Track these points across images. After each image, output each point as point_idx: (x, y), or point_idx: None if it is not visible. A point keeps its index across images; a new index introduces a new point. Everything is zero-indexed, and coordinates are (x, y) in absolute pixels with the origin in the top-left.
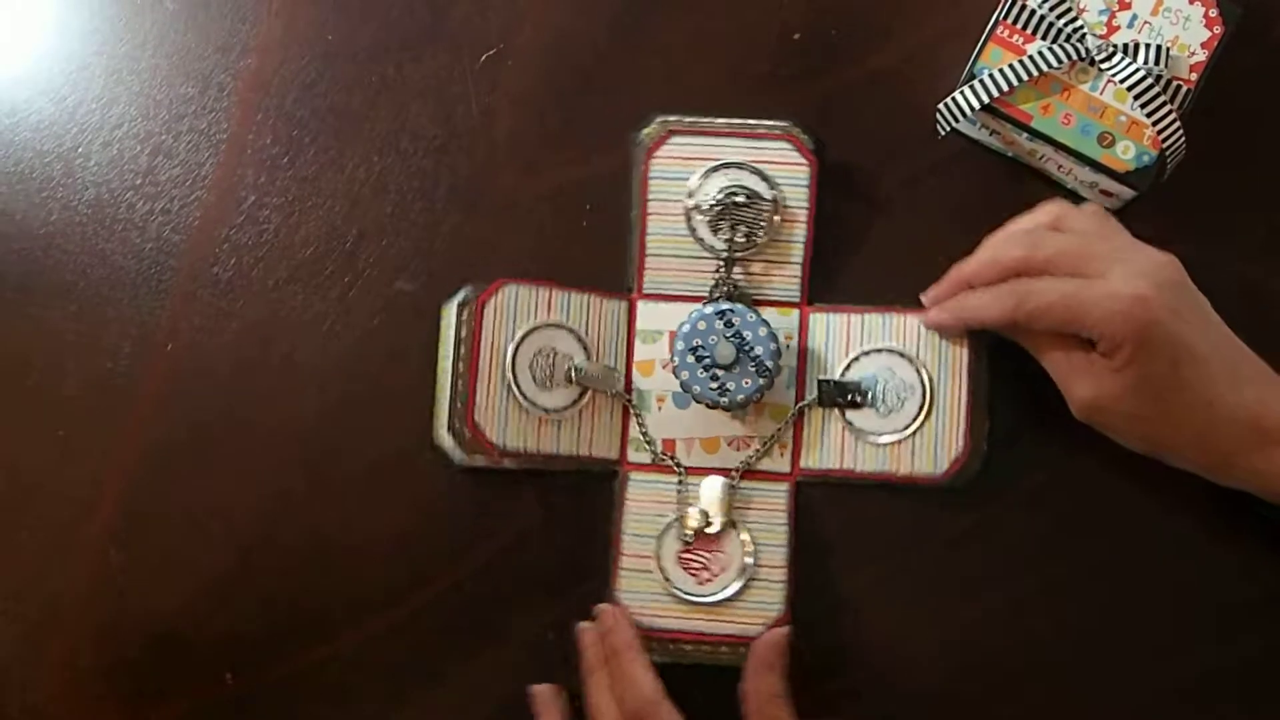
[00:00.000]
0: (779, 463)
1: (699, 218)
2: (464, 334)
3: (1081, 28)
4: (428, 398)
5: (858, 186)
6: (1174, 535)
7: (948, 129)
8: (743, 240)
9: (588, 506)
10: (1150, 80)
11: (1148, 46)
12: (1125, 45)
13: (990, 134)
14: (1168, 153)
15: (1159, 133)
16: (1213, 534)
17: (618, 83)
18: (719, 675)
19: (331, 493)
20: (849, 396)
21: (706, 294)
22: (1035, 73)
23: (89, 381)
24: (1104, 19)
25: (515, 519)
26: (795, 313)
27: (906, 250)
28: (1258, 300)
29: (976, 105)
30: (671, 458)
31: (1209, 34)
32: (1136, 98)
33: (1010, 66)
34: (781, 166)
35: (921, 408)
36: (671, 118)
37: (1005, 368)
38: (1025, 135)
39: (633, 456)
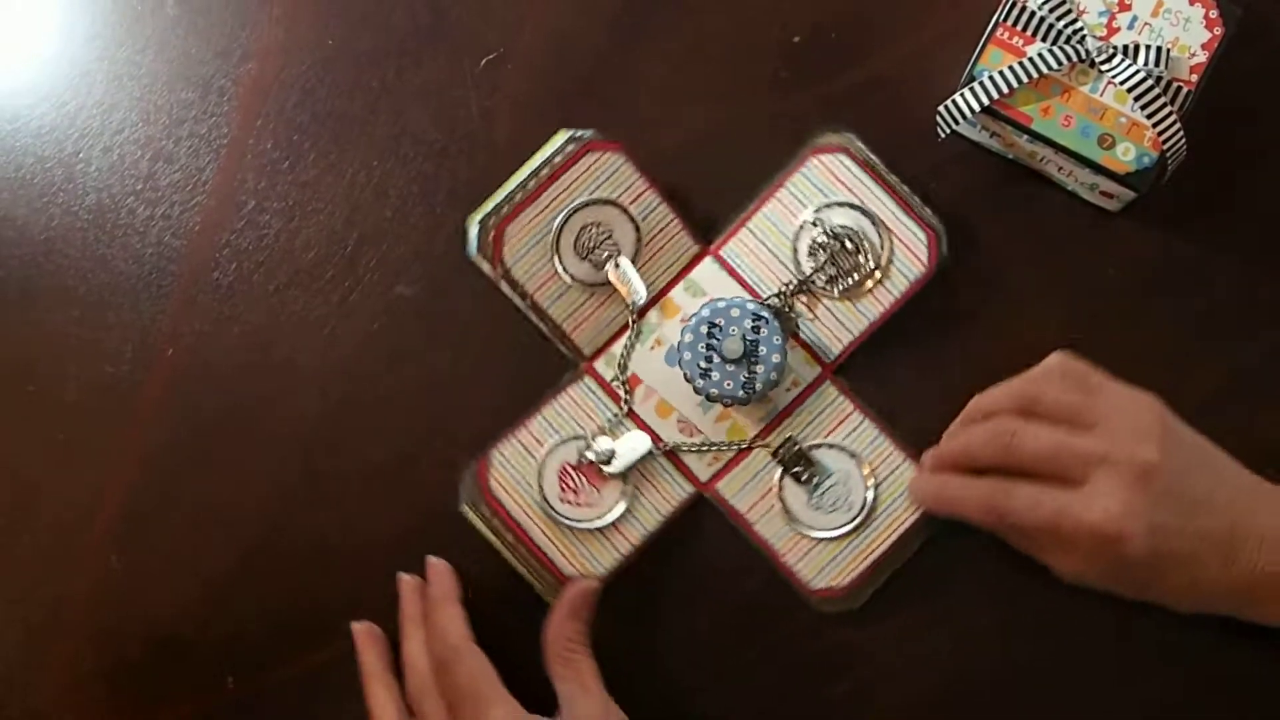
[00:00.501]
0: (702, 468)
1: (806, 235)
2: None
3: (1081, 29)
4: (428, 401)
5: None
6: None
7: (948, 131)
8: (824, 282)
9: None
10: (1150, 82)
11: (1148, 48)
12: (1125, 47)
13: (990, 136)
14: (1168, 154)
15: (1159, 134)
16: None
17: (618, 86)
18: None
19: (332, 496)
20: (802, 470)
21: (761, 293)
22: (1035, 75)
23: (90, 386)
24: (1104, 20)
25: None
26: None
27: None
28: (1257, 303)
29: (976, 107)
30: (628, 391)
31: (1209, 35)
32: (1137, 99)
33: (1010, 68)
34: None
35: (850, 523)
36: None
37: None
38: (1025, 137)
39: (598, 366)
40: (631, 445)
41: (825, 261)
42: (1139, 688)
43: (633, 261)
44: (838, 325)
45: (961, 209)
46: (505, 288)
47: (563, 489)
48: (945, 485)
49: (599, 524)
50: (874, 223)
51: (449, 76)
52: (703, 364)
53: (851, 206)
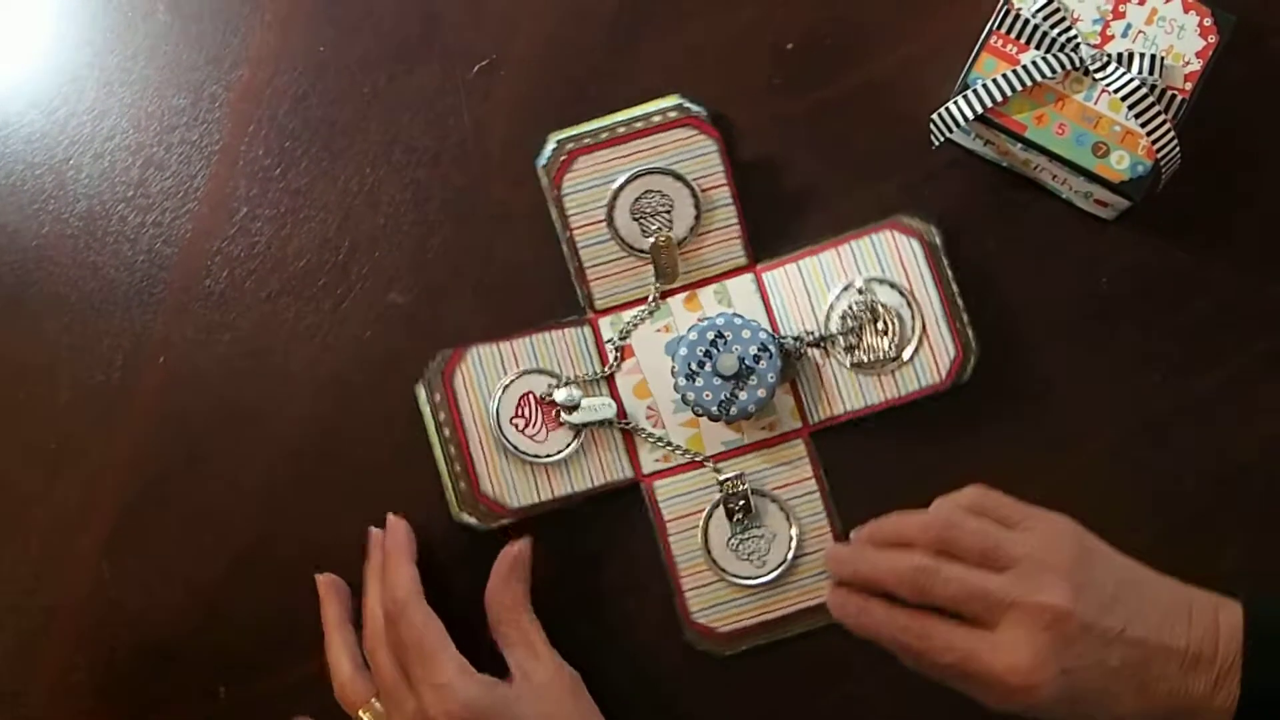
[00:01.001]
0: (649, 460)
1: (847, 297)
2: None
3: (1075, 37)
4: (417, 410)
5: (854, 191)
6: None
7: (941, 139)
8: (842, 347)
9: (591, 514)
10: (1145, 90)
11: (1142, 56)
12: (1120, 54)
13: (984, 144)
14: (1162, 162)
15: (1154, 142)
16: None
17: (611, 94)
18: None
19: (325, 505)
20: (738, 510)
21: (782, 329)
22: (1029, 82)
23: (81, 394)
24: (1098, 28)
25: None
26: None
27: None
28: (1253, 311)
29: (970, 115)
30: (619, 358)
31: (1204, 43)
32: (1131, 107)
33: (1004, 76)
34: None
35: (755, 579)
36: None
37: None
38: (1019, 145)
39: (602, 323)
40: (597, 406)
41: (852, 330)
42: None
43: (679, 245)
44: (835, 392)
45: (956, 217)
46: (553, 210)
47: (517, 413)
48: (866, 611)
49: (533, 459)
50: (914, 315)
51: (441, 83)
52: (694, 366)
53: (900, 292)
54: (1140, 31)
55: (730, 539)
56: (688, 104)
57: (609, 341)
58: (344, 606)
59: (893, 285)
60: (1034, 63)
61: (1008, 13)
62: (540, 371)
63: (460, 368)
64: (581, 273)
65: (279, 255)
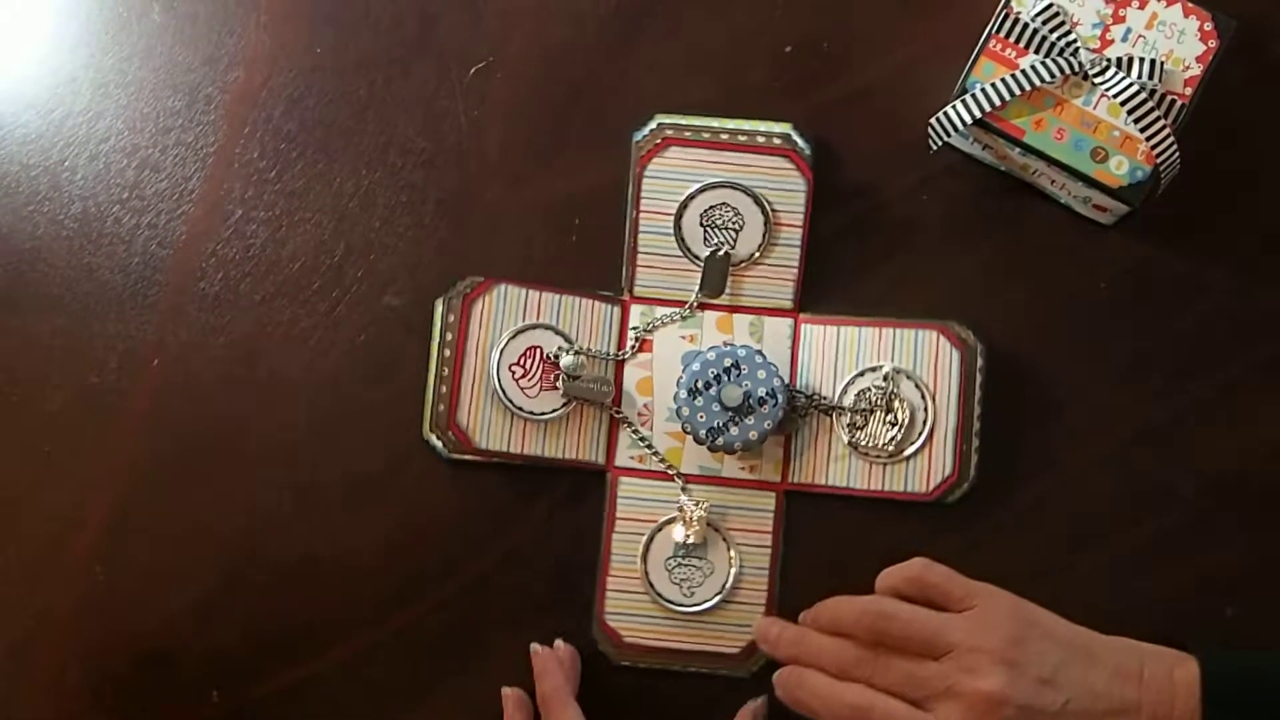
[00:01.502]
0: (625, 455)
1: (871, 378)
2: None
3: (1075, 41)
4: (415, 413)
5: (850, 199)
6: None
7: (940, 143)
8: (845, 422)
9: (584, 519)
10: (1144, 95)
11: (1141, 60)
12: (1119, 59)
13: (983, 148)
14: (1162, 168)
15: (1153, 147)
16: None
17: (607, 95)
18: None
19: (318, 508)
20: (690, 535)
21: (799, 383)
22: (1028, 87)
23: (75, 396)
24: (1097, 33)
25: (504, 535)
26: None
27: (899, 264)
28: (1250, 315)
29: (968, 120)
30: (636, 348)
31: (1204, 48)
32: (1130, 112)
33: (1002, 80)
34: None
35: (677, 607)
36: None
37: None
38: (1018, 150)
39: (634, 310)
40: (596, 383)
41: (863, 410)
42: None
43: (731, 266)
44: (824, 462)
45: (955, 221)
46: (631, 183)
47: (518, 361)
48: (813, 695)
49: (517, 410)
50: (926, 420)
51: (437, 86)
52: (700, 384)
53: (923, 394)
54: (1140, 36)
55: (669, 559)
56: (796, 137)
57: (634, 329)
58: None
59: (918, 384)
60: (1033, 67)
61: (1006, 16)
62: (556, 331)
63: (483, 297)
64: (634, 255)
65: (274, 258)
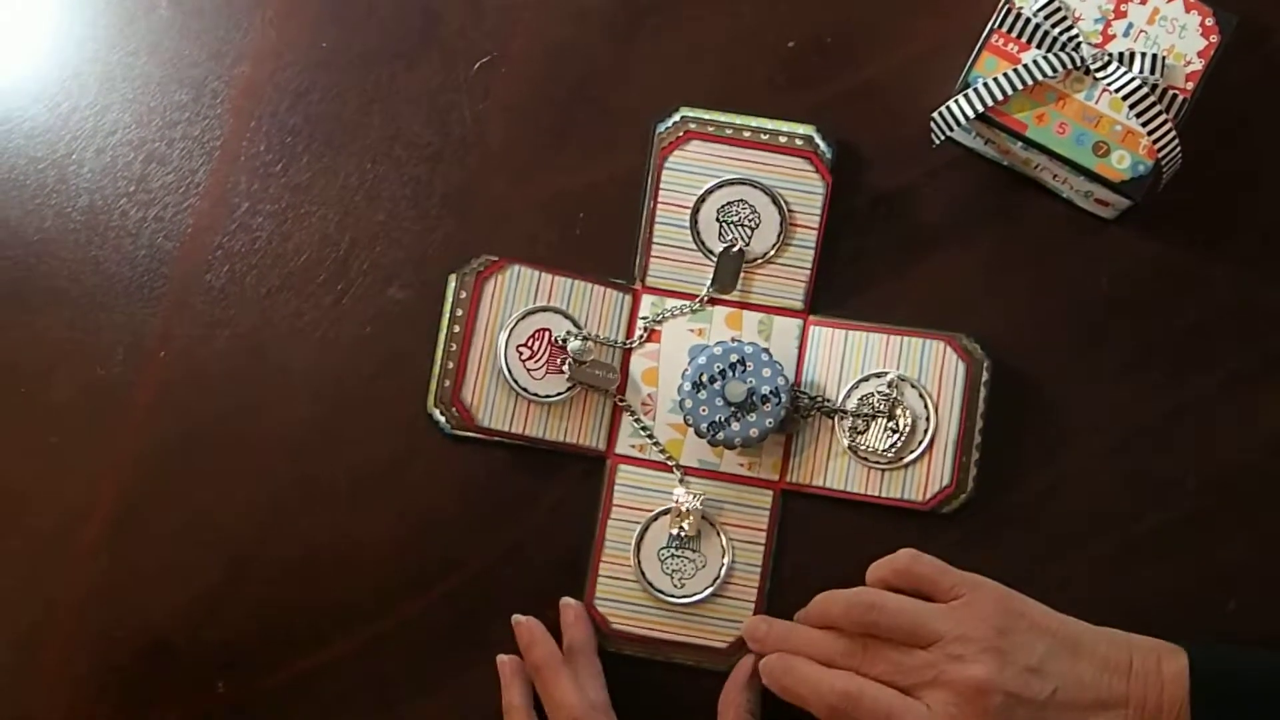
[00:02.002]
0: (626, 443)
1: (875, 383)
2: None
3: (1077, 36)
4: (419, 406)
5: (851, 194)
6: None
7: (942, 138)
8: (846, 427)
9: (585, 508)
10: (1146, 89)
11: (1143, 55)
12: (1121, 54)
13: (985, 143)
14: (1163, 162)
15: (1154, 142)
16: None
17: (612, 91)
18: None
19: (323, 501)
20: (685, 527)
21: (803, 384)
22: (1030, 81)
23: (81, 389)
24: (1099, 27)
25: (509, 527)
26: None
27: (903, 258)
28: (1253, 310)
29: (971, 114)
30: (645, 338)
31: (1205, 43)
32: (1132, 107)
33: (1005, 75)
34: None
35: (667, 598)
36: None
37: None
38: (1020, 144)
39: (644, 299)
40: (602, 370)
41: (865, 415)
42: None
43: (744, 264)
44: (822, 463)
45: (957, 215)
46: (649, 174)
47: (526, 343)
48: (800, 682)
49: (521, 391)
50: (927, 430)
51: (442, 80)
52: (704, 378)
53: (926, 403)
54: (1142, 31)
55: (662, 549)
56: (818, 140)
57: (643, 319)
58: (526, 693)
59: (922, 394)
60: (1035, 62)
61: (1009, 11)
62: (566, 315)
63: (496, 276)
64: (648, 245)
65: (279, 251)
